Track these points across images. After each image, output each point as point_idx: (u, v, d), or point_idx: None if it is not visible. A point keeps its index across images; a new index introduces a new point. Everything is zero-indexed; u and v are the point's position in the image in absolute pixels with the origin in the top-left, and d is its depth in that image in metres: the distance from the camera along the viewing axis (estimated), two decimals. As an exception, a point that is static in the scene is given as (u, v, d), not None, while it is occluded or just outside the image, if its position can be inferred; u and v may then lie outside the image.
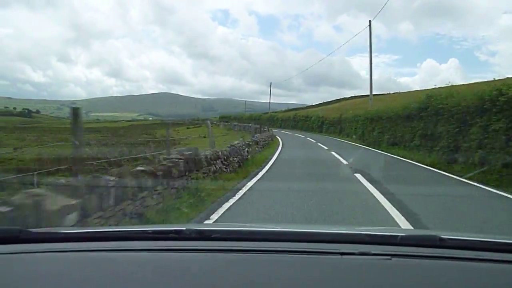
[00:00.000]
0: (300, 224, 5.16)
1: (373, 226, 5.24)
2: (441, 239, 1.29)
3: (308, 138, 31.20)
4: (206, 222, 5.45)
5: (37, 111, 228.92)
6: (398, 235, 1.32)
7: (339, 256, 1.18)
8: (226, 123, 53.94)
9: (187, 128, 48.15)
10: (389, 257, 1.17)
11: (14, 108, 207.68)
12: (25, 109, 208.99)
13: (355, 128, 29.67)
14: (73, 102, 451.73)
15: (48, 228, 2.11)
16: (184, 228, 1.40)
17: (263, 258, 1.20)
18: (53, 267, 1.13)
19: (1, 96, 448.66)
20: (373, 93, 32.78)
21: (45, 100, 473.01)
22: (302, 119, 51.87)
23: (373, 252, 1.20)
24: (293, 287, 1.01)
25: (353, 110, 34.81)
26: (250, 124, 35.75)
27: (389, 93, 56.39)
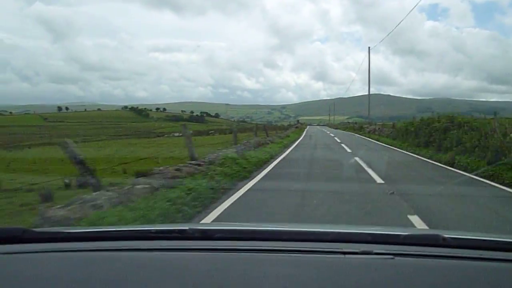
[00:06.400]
0: (303, 223, 5.15)
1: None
2: (444, 239, 1.26)
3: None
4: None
5: (216, 115, 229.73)
6: (400, 235, 1.31)
7: (342, 256, 1.17)
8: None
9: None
10: (391, 256, 1.15)
11: (192, 112, 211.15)
12: (203, 112, 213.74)
13: None
14: (283, 106, 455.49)
15: (51, 227, 2.27)
16: (187, 228, 1.40)
17: (266, 257, 1.20)
18: (56, 267, 1.14)
19: (220, 103, 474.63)
20: None
21: (258, 105, 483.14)
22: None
23: (375, 251, 1.18)
24: (295, 287, 1.00)
25: None
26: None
27: None
